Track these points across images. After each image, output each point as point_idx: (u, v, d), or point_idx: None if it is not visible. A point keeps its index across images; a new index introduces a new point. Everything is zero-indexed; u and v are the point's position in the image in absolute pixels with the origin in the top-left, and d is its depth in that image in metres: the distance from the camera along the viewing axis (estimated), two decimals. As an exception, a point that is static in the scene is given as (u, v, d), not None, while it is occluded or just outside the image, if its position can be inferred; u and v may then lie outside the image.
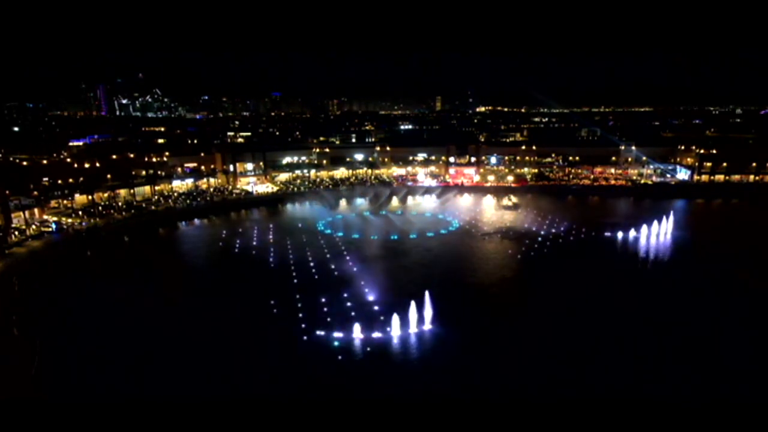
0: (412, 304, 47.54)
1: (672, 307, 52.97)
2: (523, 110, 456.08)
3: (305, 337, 46.00)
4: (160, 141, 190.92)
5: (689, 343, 44.72)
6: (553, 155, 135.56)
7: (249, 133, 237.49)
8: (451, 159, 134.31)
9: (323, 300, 53.76)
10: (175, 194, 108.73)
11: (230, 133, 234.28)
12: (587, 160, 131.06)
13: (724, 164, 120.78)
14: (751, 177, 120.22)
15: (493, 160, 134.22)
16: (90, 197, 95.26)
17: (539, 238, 78.19)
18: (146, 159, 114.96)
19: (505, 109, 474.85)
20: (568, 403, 36.52)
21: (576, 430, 34.58)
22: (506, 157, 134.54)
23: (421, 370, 42.08)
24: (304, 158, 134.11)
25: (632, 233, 78.68)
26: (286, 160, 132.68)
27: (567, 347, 44.12)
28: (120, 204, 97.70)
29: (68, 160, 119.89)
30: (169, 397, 37.23)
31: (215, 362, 41.95)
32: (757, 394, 37.38)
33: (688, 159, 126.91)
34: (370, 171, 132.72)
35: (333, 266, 65.30)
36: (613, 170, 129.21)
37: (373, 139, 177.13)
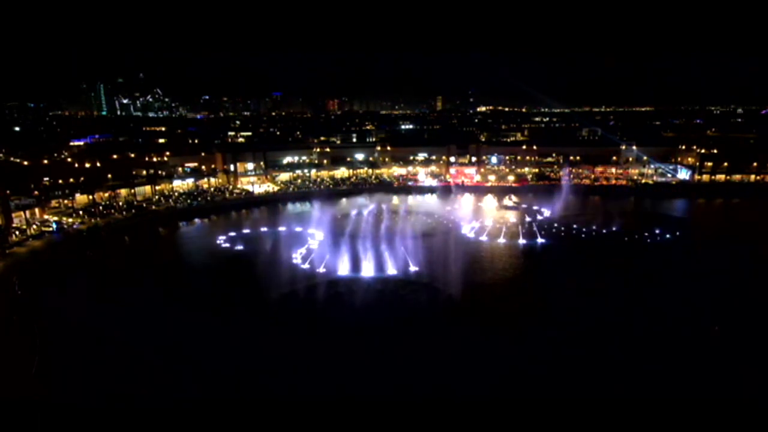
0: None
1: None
2: (523, 110, 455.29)
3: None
4: (161, 141, 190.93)
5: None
6: (553, 155, 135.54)
7: (250, 133, 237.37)
8: (452, 159, 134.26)
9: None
10: (176, 194, 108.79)
11: (231, 133, 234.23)
12: (588, 160, 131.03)
13: (725, 164, 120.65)
14: (752, 177, 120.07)
15: (494, 159, 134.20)
16: (91, 197, 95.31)
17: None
18: (147, 159, 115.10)
19: (506, 109, 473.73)
20: (568, 403, 36.49)
21: (576, 430, 34.55)
22: (507, 157, 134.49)
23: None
24: (304, 158, 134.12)
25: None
26: (287, 159, 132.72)
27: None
28: (121, 204, 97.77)
29: (69, 159, 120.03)
30: (168, 396, 37.23)
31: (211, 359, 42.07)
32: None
33: (689, 159, 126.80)
34: (370, 171, 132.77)
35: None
36: (613, 170, 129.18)
37: (373, 139, 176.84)
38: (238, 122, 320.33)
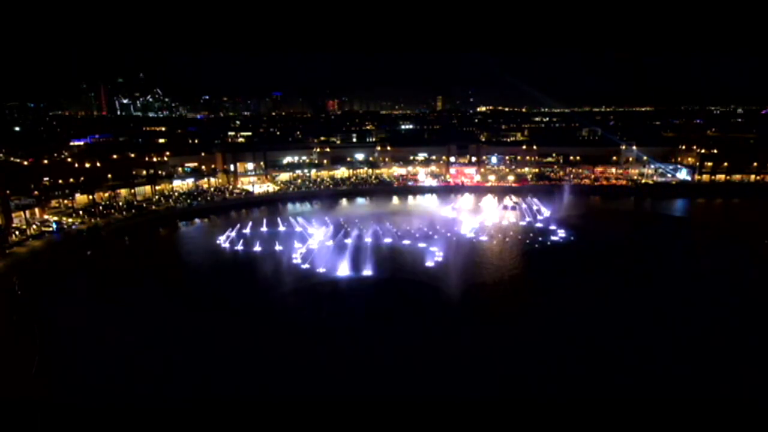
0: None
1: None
2: (523, 110, 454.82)
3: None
4: (161, 141, 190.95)
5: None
6: (554, 155, 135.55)
7: (250, 133, 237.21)
8: (452, 159, 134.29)
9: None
10: (176, 194, 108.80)
11: (231, 133, 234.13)
12: (588, 160, 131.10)
13: (725, 164, 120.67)
14: (752, 177, 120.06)
15: (494, 159, 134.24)
16: (90, 197, 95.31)
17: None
18: (147, 159, 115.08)
19: (506, 109, 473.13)
20: (568, 404, 36.49)
21: (576, 430, 34.56)
22: (507, 157, 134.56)
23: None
24: (304, 158, 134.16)
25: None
26: (287, 159, 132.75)
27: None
28: (120, 204, 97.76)
29: (69, 159, 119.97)
30: (168, 397, 37.24)
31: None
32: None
33: (689, 159, 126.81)
34: (370, 171, 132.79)
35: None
36: (613, 170, 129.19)
37: (373, 139, 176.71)
38: (238, 122, 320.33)
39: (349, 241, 75.13)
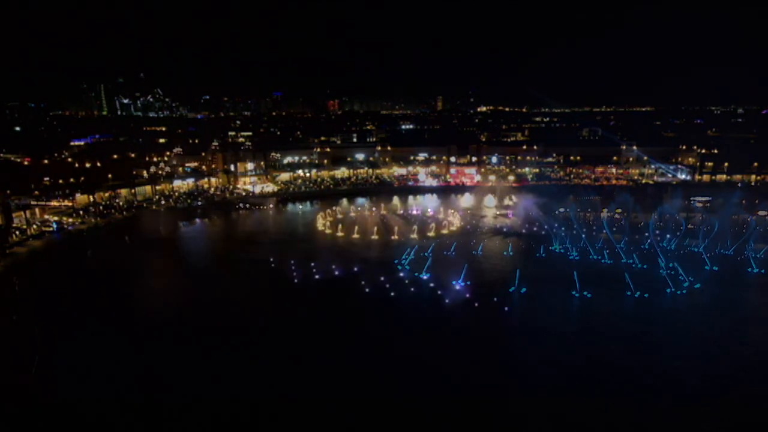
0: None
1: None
2: (524, 110, 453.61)
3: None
4: (162, 141, 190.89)
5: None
6: (554, 155, 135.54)
7: (250, 133, 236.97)
8: (453, 159, 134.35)
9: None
10: (176, 194, 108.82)
11: (231, 133, 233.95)
12: (588, 160, 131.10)
13: (726, 164, 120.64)
14: (752, 177, 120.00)
15: (495, 159, 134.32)
16: (91, 197, 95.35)
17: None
18: (147, 159, 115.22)
19: (507, 109, 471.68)
20: (568, 404, 36.50)
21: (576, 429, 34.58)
22: (507, 157, 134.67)
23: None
24: (305, 158, 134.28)
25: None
26: (287, 159, 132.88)
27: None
28: (121, 204, 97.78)
29: (69, 159, 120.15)
30: (168, 397, 37.23)
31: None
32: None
33: (690, 159, 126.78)
34: (371, 171, 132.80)
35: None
36: (614, 170, 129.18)
37: (374, 139, 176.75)
38: (238, 122, 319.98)
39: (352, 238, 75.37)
